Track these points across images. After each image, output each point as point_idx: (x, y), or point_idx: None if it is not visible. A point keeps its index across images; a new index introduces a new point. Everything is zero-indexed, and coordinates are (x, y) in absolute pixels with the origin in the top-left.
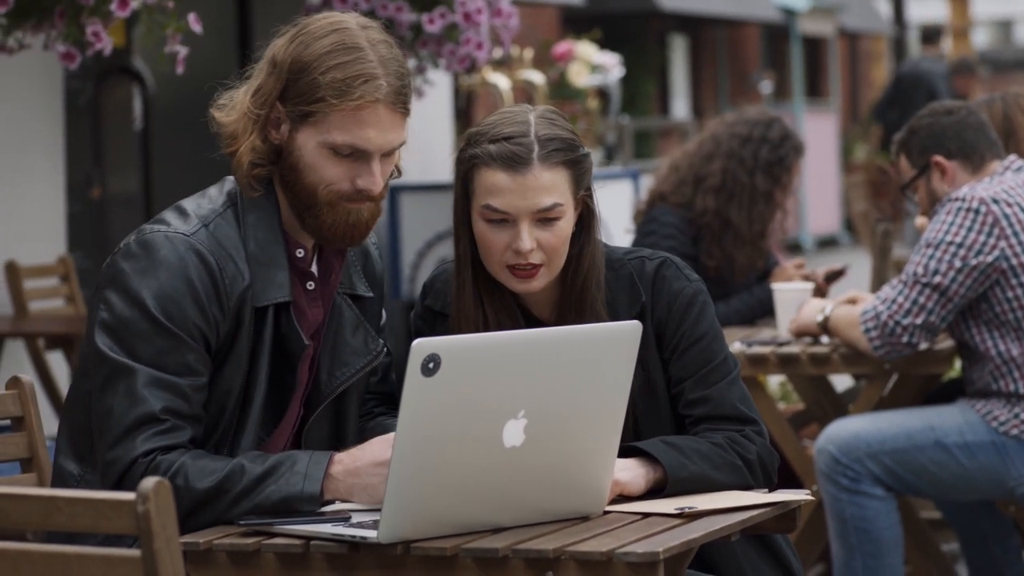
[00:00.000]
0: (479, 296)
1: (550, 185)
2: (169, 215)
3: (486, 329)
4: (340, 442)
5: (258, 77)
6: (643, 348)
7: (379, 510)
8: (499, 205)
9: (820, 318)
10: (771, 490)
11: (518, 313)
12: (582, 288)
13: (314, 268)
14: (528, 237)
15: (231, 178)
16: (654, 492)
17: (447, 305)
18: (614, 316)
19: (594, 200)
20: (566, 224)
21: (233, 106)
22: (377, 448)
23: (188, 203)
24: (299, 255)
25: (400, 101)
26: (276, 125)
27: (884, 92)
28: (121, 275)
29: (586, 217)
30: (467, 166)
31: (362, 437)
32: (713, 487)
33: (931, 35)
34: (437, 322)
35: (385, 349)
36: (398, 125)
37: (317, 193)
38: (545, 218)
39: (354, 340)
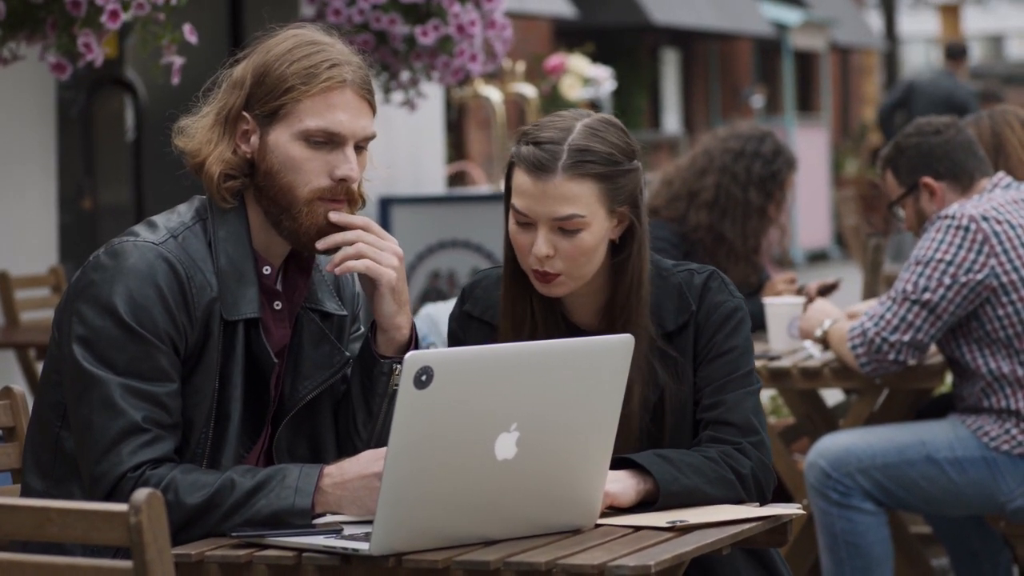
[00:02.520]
0: (527, 293)
1: (571, 196)
2: (138, 228)
3: (532, 327)
4: (319, 460)
5: (219, 100)
6: (684, 359)
7: (371, 522)
8: (521, 207)
9: (819, 333)
10: (762, 504)
11: (559, 316)
12: (625, 301)
13: (279, 287)
14: (545, 243)
15: (200, 196)
16: (646, 505)
17: (485, 311)
18: (659, 325)
19: (642, 215)
20: (589, 236)
21: (195, 130)
22: (366, 461)
23: (158, 218)
24: (266, 272)
25: (367, 90)
26: (245, 138)
27: (892, 97)
28: (92, 286)
29: (632, 231)
30: (509, 163)
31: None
32: (705, 501)
33: (956, 52)
34: (472, 327)
35: (350, 362)
36: (367, 114)
37: (296, 192)
38: (564, 228)
39: (316, 353)
